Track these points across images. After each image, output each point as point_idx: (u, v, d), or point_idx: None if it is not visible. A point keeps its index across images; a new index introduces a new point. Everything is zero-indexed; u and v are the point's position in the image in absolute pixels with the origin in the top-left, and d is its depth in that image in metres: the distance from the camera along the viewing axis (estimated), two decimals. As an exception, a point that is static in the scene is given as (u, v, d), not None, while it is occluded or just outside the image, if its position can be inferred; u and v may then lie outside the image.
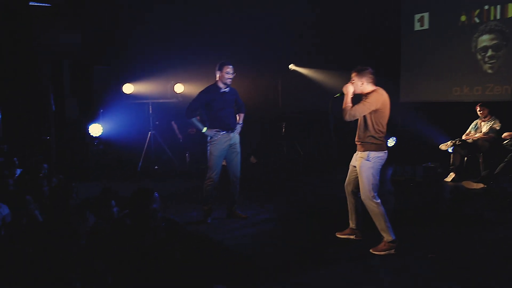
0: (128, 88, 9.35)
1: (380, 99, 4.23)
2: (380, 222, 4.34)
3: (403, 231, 4.84)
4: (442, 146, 8.20)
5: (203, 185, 5.45)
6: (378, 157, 4.32)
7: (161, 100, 9.83)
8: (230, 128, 5.43)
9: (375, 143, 4.30)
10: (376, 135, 4.30)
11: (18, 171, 4.97)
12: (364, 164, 4.33)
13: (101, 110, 9.01)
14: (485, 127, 8.00)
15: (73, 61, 8.54)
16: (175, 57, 9.85)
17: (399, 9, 9.93)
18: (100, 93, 8.92)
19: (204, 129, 5.31)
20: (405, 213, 5.86)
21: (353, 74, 4.34)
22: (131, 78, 9.57)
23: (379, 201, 4.34)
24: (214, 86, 5.37)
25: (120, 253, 3.14)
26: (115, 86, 9.34)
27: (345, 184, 4.72)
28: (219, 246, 4.14)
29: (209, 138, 5.38)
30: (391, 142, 9.33)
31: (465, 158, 8.07)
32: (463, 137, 8.18)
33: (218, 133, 5.31)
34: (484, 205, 6.26)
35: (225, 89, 5.35)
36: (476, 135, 8.05)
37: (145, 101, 9.68)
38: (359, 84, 4.31)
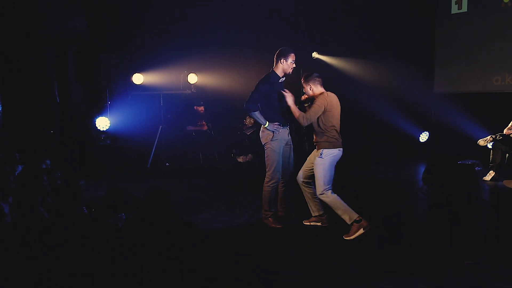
0: (137, 79, 9.37)
1: (327, 99, 4.86)
2: (338, 209, 4.96)
3: (433, 235, 5.04)
4: (481, 142, 8.08)
5: (264, 188, 5.39)
6: (331, 154, 4.94)
7: (173, 91, 9.88)
8: (288, 122, 5.47)
9: (327, 141, 4.95)
10: (328, 134, 4.96)
11: (20, 167, 4.84)
12: (317, 161, 4.97)
13: (109, 102, 9.04)
14: (529, 120, 8.26)
15: (78, 48, 8.45)
16: (189, 45, 9.85)
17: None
18: (108, 84, 8.94)
19: (267, 124, 5.25)
20: (437, 214, 5.83)
21: (302, 82, 5.00)
22: (141, 68, 9.56)
23: (328, 192, 4.88)
24: (273, 75, 5.33)
25: (131, 255, 3.12)
26: (124, 76, 9.37)
27: (297, 176, 5.30)
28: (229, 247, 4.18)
29: (261, 133, 5.35)
30: (423, 136, 9.48)
31: (507, 155, 7.95)
32: (505, 131, 8.01)
33: (280, 127, 5.30)
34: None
35: (282, 79, 5.37)
36: (519, 130, 8.50)
37: (156, 92, 9.70)
38: (308, 89, 5.03)
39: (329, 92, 5.02)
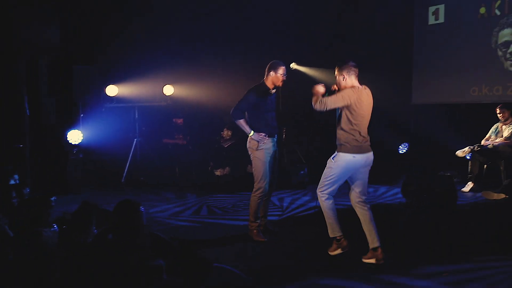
0: (112, 90, 9.31)
1: (354, 95, 4.36)
2: (326, 218, 4.64)
3: (411, 246, 5.00)
4: (459, 153, 8.17)
5: (251, 198, 5.43)
6: (345, 159, 4.47)
7: (148, 103, 9.84)
8: (275, 133, 5.51)
9: (346, 144, 4.46)
10: (349, 136, 4.44)
11: (-14, 184, 5.21)
12: (329, 161, 4.60)
13: (82, 115, 8.91)
14: (506, 131, 8.02)
15: (50, 59, 8.32)
16: (165, 56, 9.82)
17: (411, 1, 9.93)
18: (81, 96, 8.73)
19: (252, 133, 5.32)
20: (416, 226, 5.79)
21: (336, 69, 4.52)
22: (115, 79, 9.51)
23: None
24: (263, 86, 5.42)
25: (100, 272, 3.17)
26: (98, 88, 9.17)
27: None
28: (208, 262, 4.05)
29: (248, 143, 5.40)
30: (403, 148, 9.57)
31: (485, 166, 8.05)
32: (482, 142, 8.16)
33: (265, 138, 5.33)
34: (506, 219, 6.15)
35: (273, 90, 5.43)
36: (497, 140, 8.04)
37: (130, 104, 9.66)
38: (341, 79, 4.51)
39: (363, 86, 4.58)
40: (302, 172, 8.84)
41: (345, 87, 4.50)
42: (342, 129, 4.49)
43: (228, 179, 9.20)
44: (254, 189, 5.41)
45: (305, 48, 10.08)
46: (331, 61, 9.24)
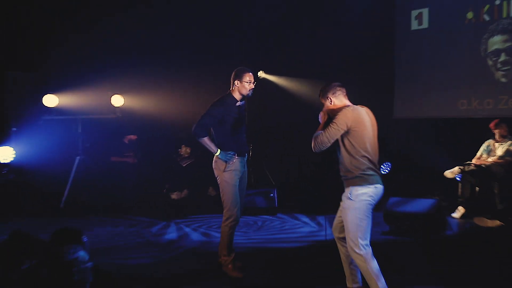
0: (50, 100, 9.00)
1: (349, 115, 4.19)
2: (371, 282, 4.23)
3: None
4: (448, 174, 8.02)
5: (222, 228, 5.36)
6: (364, 193, 4.20)
7: (94, 116, 9.54)
8: (245, 151, 5.45)
9: (358, 175, 4.20)
10: (358, 164, 4.20)
11: None
12: (347, 204, 4.25)
13: (14, 129, 8.70)
14: (500, 149, 7.91)
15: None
16: (114, 62, 9.59)
17: (392, 4, 9.85)
18: (14, 106, 8.60)
19: (218, 152, 5.22)
20: (403, 259, 5.68)
21: (320, 97, 4.43)
22: (56, 88, 9.21)
23: (366, 251, 4.22)
24: (229, 97, 5.35)
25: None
26: (35, 98, 8.94)
27: (332, 228, 4.64)
28: None
29: (214, 164, 5.33)
30: (385, 168, 9.24)
31: (477, 188, 7.88)
32: (474, 161, 8.01)
33: (234, 157, 5.28)
34: (502, 249, 6.04)
35: (241, 102, 5.36)
36: (489, 159, 7.95)
37: (73, 116, 9.36)
38: (328, 103, 4.38)
39: (356, 106, 4.38)
40: (271, 195, 8.50)
41: (337, 110, 4.30)
42: (350, 156, 4.24)
43: (186, 203, 8.93)
44: (224, 218, 5.28)
45: (274, 56, 9.99)
46: (303, 69, 9.87)
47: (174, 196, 9.21)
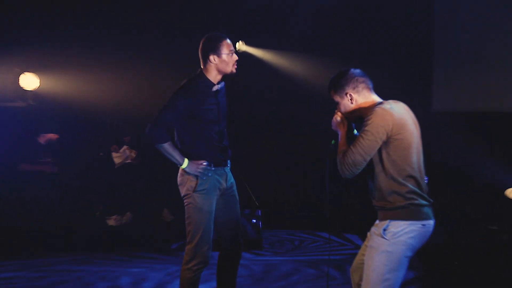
0: None
1: (388, 117, 3.86)
2: None
3: None
4: (510, 192, 7.79)
5: (182, 273, 5.11)
6: (407, 232, 3.89)
7: (-5, 104, 8.97)
8: (227, 158, 5.15)
9: (401, 205, 3.87)
10: (401, 189, 3.87)
11: None
12: (376, 242, 3.97)
13: None
14: None
15: None
16: (25, 30, 9.19)
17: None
18: None
19: (185, 163, 4.93)
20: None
21: (332, 93, 4.17)
22: None
23: None
24: (202, 80, 5.01)
25: None
26: None
27: (350, 269, 4.41)
28: None
29: (179, 179, 5.14)
30: None
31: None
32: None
33: (209, 168, 5.00)
34: None
35: (218, 86, 5.03)
36: None
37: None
38: (348, 102, 4.10)
39: (390, 101, 4.06)
40: (254, 220, 8.42)
41: (363, 112, 4.04)
42: (390, 178, 3.94)
43: (129, 233, 8.66)
44: (186, 257, 4.95)
45: (257, 20, 9.72)
46: (300, 40, 9.86)
47: (111, 221, 8.93)
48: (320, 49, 9.37)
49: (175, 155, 4.97)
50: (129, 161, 9.33)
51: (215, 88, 5.00)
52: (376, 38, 9.54)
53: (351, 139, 4.12)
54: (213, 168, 4.98)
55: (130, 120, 9.53)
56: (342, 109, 4.12)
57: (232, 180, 5.22)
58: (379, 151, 3.90)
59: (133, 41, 9.71)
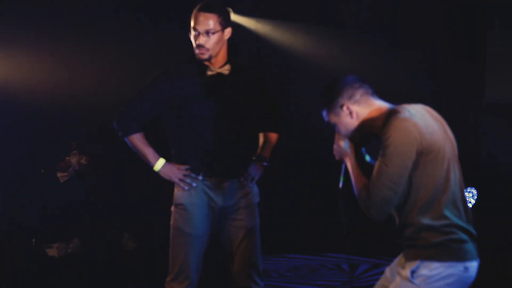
0: None
1: (413, 130, 3.68)
2: None
3: None
4: None
5: None
6: (444, 277, 3.77)
7: None
8: (227, 170, 4.95)
9: (437, 242, 3.75)
10: (434, 220, 3.77)
11: None
12: (403, 286, 3.85)
13: None
14: None
15: None
16: None
17: None
18: None
19: (158, 164, 4.92)
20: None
21: (325, 113, 4.04)
22: None
23: None
24: (189, 63, 4.94)
25: None
26: None
27: None
28: None
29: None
30: (468, 199, 8.10)
31: None
32: None
33: (193, 179, 4.95)
34: None
35: (221, 69, 4.92)
36: None
37: None
38: (347, 118, 3.98)
39: (404, 106, 3.81)
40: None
41: (372, 126, 3.96)
42: (420, 207, 3.82)
43: (77, 265, 8.04)
44: (166, 286, 5.00)
45: None
46: (299, 7, 9.60)
47: (53, 251, 8.21)
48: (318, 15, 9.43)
49: (146, 152, 4.91)
50: (77, 168, 8.95)
51: (210, 72, 4.85)
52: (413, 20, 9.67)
53: (366, 169, 3.99)
54: (200, 178, 4.80)
55: (82, 116, 8.96)
56: (343, 130, 3.99)
57: (252, 200, 5.04)
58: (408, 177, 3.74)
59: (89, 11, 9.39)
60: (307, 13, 9.60)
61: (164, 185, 9.12)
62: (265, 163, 5.09)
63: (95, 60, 9.05)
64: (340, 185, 4.12)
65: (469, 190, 8.71)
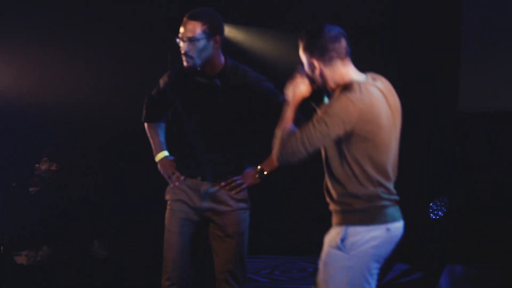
0: None
1: (351, 109, 3.88)
2: None
3: None
4: None
5: None
6: (368, 240, 3.98)
7: None
8: (204, 173, 5.06)
9: (361, 209, 4.02)
10: (363, 192, 4.02)
11: None
12: (331, 257, 4.04)
13: None
14: None
15: None
16: None
17: None
18: None
19: (159, 156, 5.14)
20: None
21: (300, 48, 4.14)
22: None
23: None
24: (179, 65, 5.09)
25: None
26: None
27: None
28: None
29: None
30: (436, 209, 8.78)
31: None
32: None
33: (179, 177, 5.16)
34: None
35: (212, 77, 5.00)
36: None
37: None
38: (316, 73, 4.10)
39: (369, 78, 4.07)
40: None
41: (329, 87, 4.11)
42: (352, 176, 4.06)
43: (46, 274, 7.98)
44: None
45: None
46: (284, 17, 9.36)
47: (21, 259, 8.13)
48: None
49: (153, 142, 5.14)
50: (46, 175, 8.95)
51: (200, 79, 4.97)
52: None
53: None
54: (183, 178, 4.99)
55: (56, 118, 8.89)
56: (310, 75, 4.13)
57: (220, 204, 5.06)
58: (338, 144, 3.98)
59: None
60: (307, 16, 9.44)
61: (139, 190, 9.16)
62: (259, 175, 5.13)
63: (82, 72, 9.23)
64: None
65: (440, 199, 8.82)
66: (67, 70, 8.82)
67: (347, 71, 3.96)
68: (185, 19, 4.77)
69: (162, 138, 5.20)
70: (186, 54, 4.71)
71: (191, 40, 4.63)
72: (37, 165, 8.60)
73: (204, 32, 4.66)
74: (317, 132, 3.84)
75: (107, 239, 8.54)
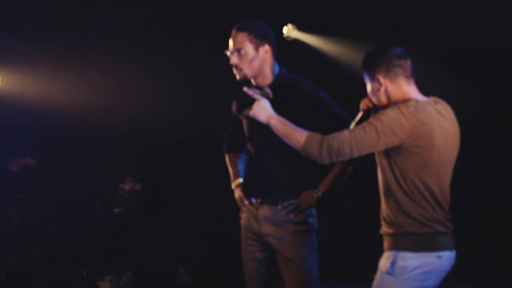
0: None
1: (403, 123, 3.80)
2: None
3: None
4: None
5: None
6: (415, 266, 3.86)
7: None
8: (262, 195, 4.98)
9: (413, 233, 3.88)
10: (415, 211, 3.91)
11: None
12: (382, 279, 3.95)
13: None
14: None
15: None
16: None
17: None
18: None
19: (234, 184, 5.08)
20: None
21: (364, 66, 4.09)
22: None
23: None
24: (246, 83, 4.98)
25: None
26: None
27: None
28: None
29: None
30: None
31: None
32: None
33: (247, 201, 5.05)
34: None
35: (264, 92, 4.86)
36: None
37: None
38: (378, 90, 4.05)
39: (433, 99, 4.02)
40: None
41: (388, 104, 4.05)
42: (403, 194, 3.95)
43: None
44: None
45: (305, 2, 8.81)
46: (356, 25, 8.96)
47: (105, 284, 8.06)
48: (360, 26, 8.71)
49: (230, 171, 5.15)
50: (130, 196, 8.85)
51: (250, 92, 4.62)
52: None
53: None
54: (247, 202, 4.94)
55: (134, 136, 8.74)
56: (370, 94, 4.17)
57: (279, 229, 4.87)
58: (388, 158, 4.00)
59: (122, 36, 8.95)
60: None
61: (221, 215, 8.63)
62: (317, 195, 4.84)
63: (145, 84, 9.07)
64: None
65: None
66: (149, 91, 8.82)
67: (410, 90, 3.94)
68: (232, 32, 4.69)
69: (240, 167, 5.07)
70: (236, 66, 4.63)
71: (239, 51, 4.56)
72: (120, 185, 8.57)
73: (251, 41, 4.58)
74: (367, 137, 3.83)
75: (192, 265, 8.34)
